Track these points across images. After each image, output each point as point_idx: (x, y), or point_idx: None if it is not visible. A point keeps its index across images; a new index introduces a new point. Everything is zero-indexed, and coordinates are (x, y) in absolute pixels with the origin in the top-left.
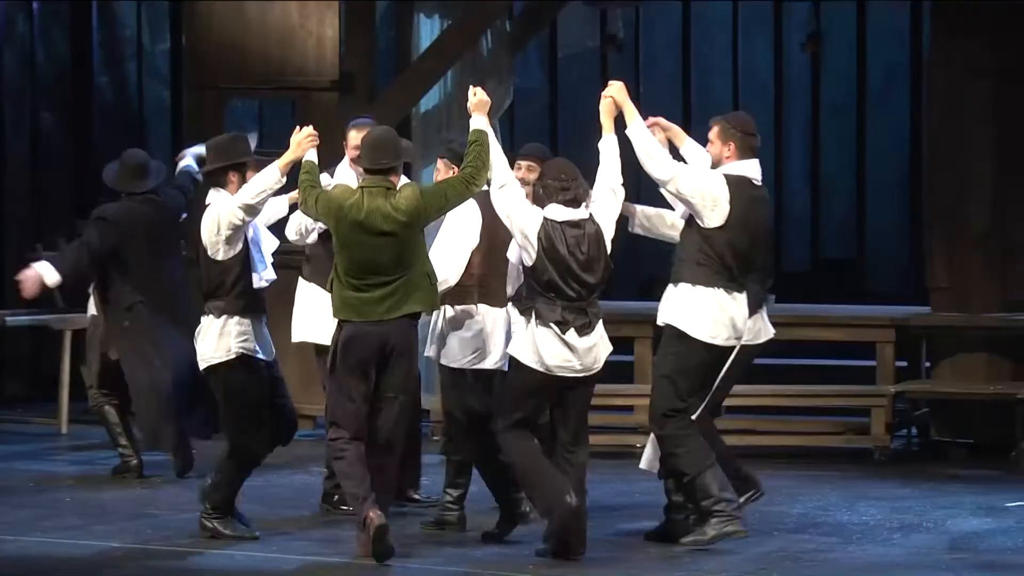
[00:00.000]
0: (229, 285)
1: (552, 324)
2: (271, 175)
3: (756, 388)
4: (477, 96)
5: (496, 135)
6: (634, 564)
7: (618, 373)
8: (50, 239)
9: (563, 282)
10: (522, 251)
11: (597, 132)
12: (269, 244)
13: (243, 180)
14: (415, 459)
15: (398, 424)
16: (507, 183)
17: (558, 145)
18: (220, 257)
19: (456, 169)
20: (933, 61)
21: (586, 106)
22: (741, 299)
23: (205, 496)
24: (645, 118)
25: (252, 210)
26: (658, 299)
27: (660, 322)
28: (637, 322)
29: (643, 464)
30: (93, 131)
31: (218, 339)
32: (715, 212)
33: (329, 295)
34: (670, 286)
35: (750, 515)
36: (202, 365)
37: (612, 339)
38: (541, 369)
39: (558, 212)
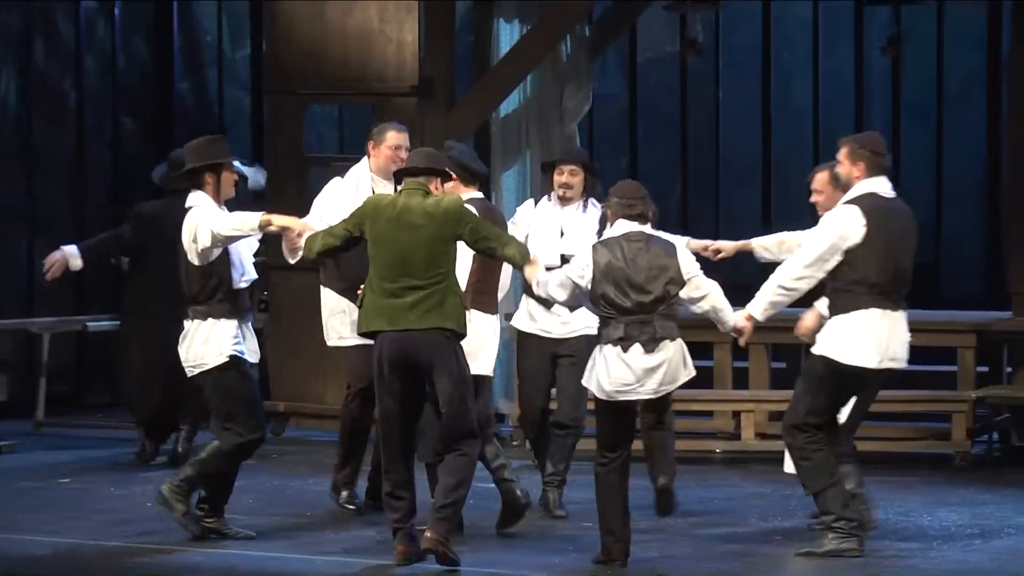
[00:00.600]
0: (212, 289)
1: (614, 343)
2: (249, 223)
3: None
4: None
5: (575, 141)
6: (712, 569)
7: (697, 378)
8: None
9: (619, 293)
10: (584, 286)
11: (675, 136)
12: (250, 244)
13: (219, 181)
14: None
15: (460, 430)
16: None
17: (637, 150)
18: (198, 262)
19: (473, 187)
20: (1012, 63)
21: (666, 111)
22: (897, 317)
23: (196, 493)
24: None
25: (224, 241)
26: (738, 304)
27: (814, 351)
28: (715, 327)
29: (788, 468)
30: (173, 137)
31: (207, 343)
32: (853, 237)
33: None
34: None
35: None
36: (192, 371)
37: (690, 345)
38: (602, 396)
39: (621, 227)
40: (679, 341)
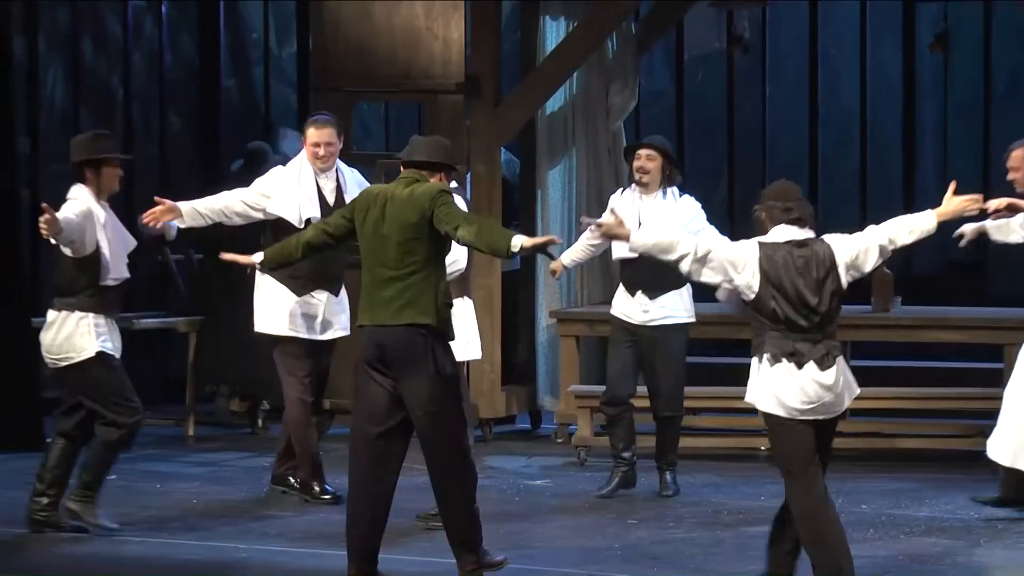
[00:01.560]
0: (84, 283)
1: (785, 358)
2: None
3: (882, 391)
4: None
5: (621, 138)
6: (758, 567)
7: (743, 376)
8: (178, 243)
9: (791, 309)
10: (743, 288)
11: (721, 133)
12: (127, 243)
13: (99, 177)
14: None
15: (439, 444)
16: (706, 251)
17: (684, 148)
18: (71, 254)
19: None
20: None
21: (712, 108)
22: None
23: (80, 479)
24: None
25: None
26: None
27: None
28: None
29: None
30: (220, 135)
31: (74, 337)
32: None
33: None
34: None
35: (876, 518)
36: (55, 362)
37: (737, 343)
38: (783, 413)
39: (782, 233)
40: (842, 358)
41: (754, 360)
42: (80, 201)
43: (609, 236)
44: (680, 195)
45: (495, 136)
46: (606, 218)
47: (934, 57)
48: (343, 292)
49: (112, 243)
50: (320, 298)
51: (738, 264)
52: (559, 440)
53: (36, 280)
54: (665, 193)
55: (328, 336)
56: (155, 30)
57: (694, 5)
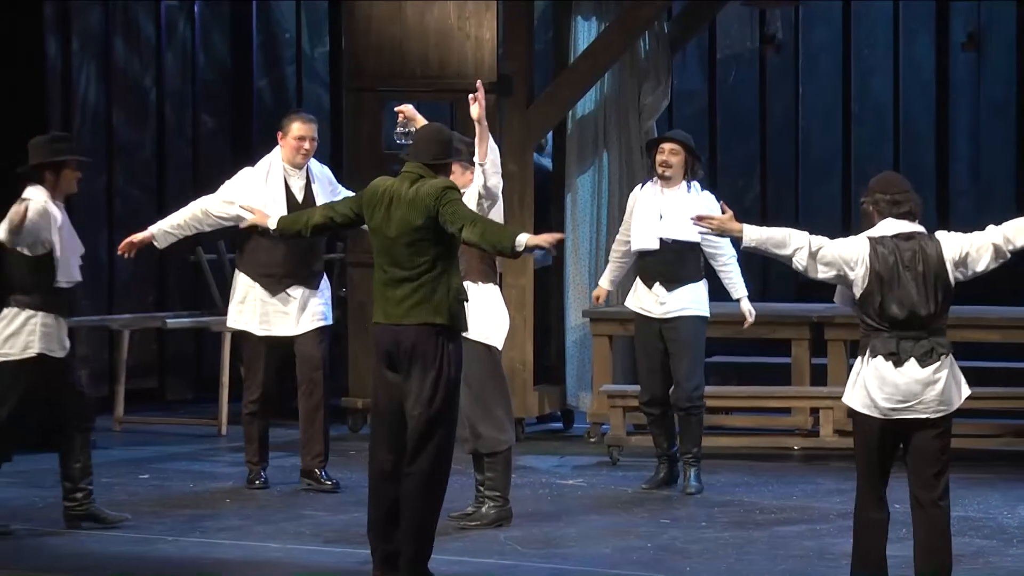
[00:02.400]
0: (37, 283)
1: (884, 356)
2: None
3: None
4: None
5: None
6: (791, 566)
7: (774, 375)
8: (209, 243)
9: (897, 305)
10: (853, 285)
11: (754, 133)
12: (78, 248)
13: (58, 179)
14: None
15: (423, 444)
16: (819, 246)
17: (717, 148)
18: (28, 253)
19: (470, 172)
20: None
21: (745, 108)
22: None
23: None
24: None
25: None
26: (814, 300)
27: None
28: (793, 324)
29: None
30: (252, 135)
31: (17, 335)
32: None
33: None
34: None
35: (908, 517)
36: None
37: (769, 342)
38: (874, 413)
39: (889, 226)
40: (951, 357)
41: (857, 360)
42: (37, 202)
43: (721, 232)
44: (701, 190)
45: (527, 136)
46: (712, 212)
47: (967, 55)
48: (324, 282)
49: (65, 245)
50: (295, 295)
51: (850, 260)
52: (592, 440)
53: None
54: (690, 187)
55: (304, 329)
56: (188, 30)
57: (727, 4)
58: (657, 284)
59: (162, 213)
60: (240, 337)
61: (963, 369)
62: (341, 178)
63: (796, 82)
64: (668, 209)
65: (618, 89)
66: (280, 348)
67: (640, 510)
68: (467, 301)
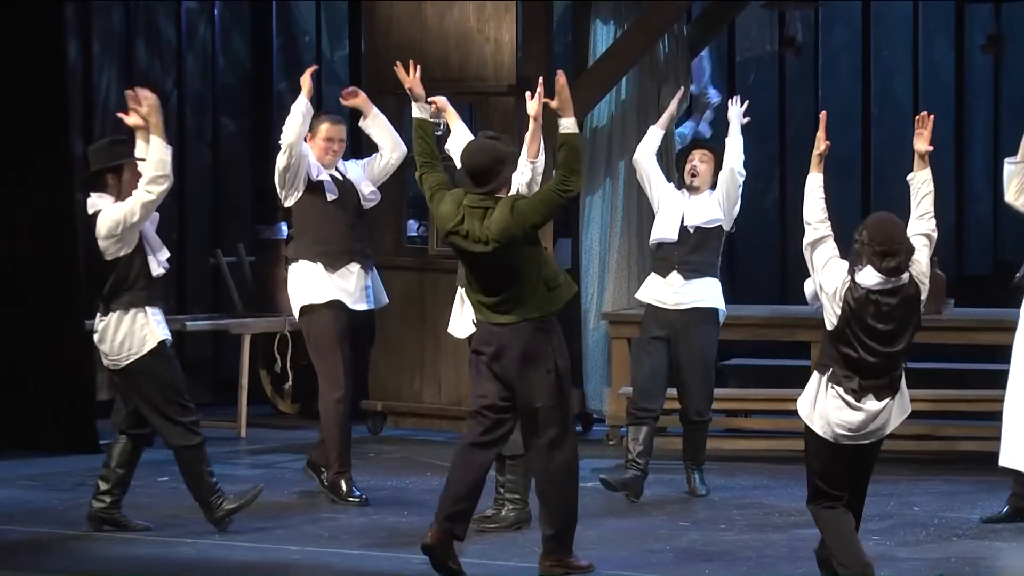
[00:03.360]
0: (132, 279)
1: (844, 390)
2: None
3: (934, 393)
4: (562, 94)
5: (673, 140)
6: (810, 567)
7: (795, 377)
8: (230, 246)
9: (866, 353)
10: (825, 312)
11: (773, 135)
12: (157, 241)
13: (120, 181)
14: None
15: (549, 438)
16: (820, 236)
17: None
18: (118, 255)
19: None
20: None
21: (765, 110)
22: None
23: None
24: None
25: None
26: None
27: None
28: (812, 326)
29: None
30: (272, 138)
31: (136, 334)
32: None
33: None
34: None
35: (928, 520)
36: (116, 364)
37: (788, 344)
38: (828, 437)
39: (872, 277)
40: (903, 380)
41: (815, 374)
42: (112, 207)
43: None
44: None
45: (546, 138)
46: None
47: (986, 57)
48: (374, 271)
49: (150, 238)
50: (354, 269)
51: (829, 289)
52: (611, 442)
53: (90, 282)
54: (711, 193)
55: (364, 307)
56: (208, 33)
57: (746, 6)
58: (674, 273)
59: (182, 217)
60: (309, 325)
61: (982, 372)
62: None
63: (816, 83)
64: (692, 213)
65: (637, 92)
66: (348, 331)
67: (659, 513)
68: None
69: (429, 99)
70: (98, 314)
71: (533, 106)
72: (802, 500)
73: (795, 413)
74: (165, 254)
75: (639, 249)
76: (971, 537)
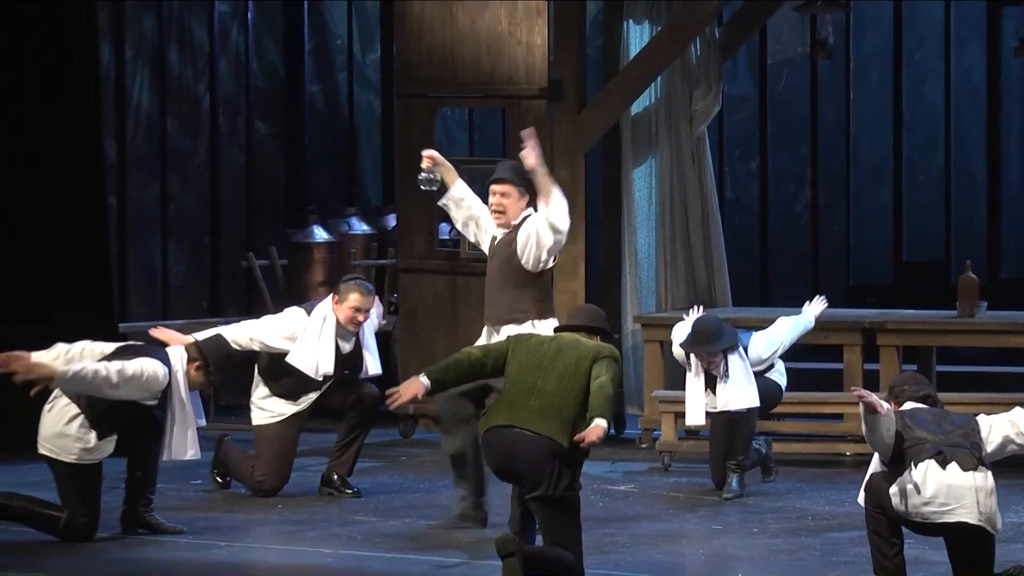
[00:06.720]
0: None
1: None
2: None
3: (967, 396)
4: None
5: (705, 143)
6: (841, 572)
7: (827, 381)
8: (262, 249)
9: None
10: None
11: (805, 139)
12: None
13: None
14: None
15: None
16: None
17: (767, 153)
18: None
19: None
20: None
21: (796, 113)
22: None
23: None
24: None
25: None
26: (866, 305)
27: None
28: (845, 329)
29: None
30: (304, 141)
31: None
32: None
33: None
34: None
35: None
36: None
37: (821, 348)
38: None
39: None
40: None
41: None
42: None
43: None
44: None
45: (578, 141)
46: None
47: (1019, 61)
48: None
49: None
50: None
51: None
52: (643, 445)
53: (123, 285)
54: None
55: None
56: (241, 37)
57: (778, 9)
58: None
59: (215, 219)
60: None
61: (1015, 375)
62: (392, 184)
63: (847, 87)
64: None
65: (669, 95)
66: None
67: (692, 516)
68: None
69: (423, 152)
70: None
71: (531, 159)
72: (836, 503)
73: (828, 416)
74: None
75: (676, 251)
76: (1004, 540)
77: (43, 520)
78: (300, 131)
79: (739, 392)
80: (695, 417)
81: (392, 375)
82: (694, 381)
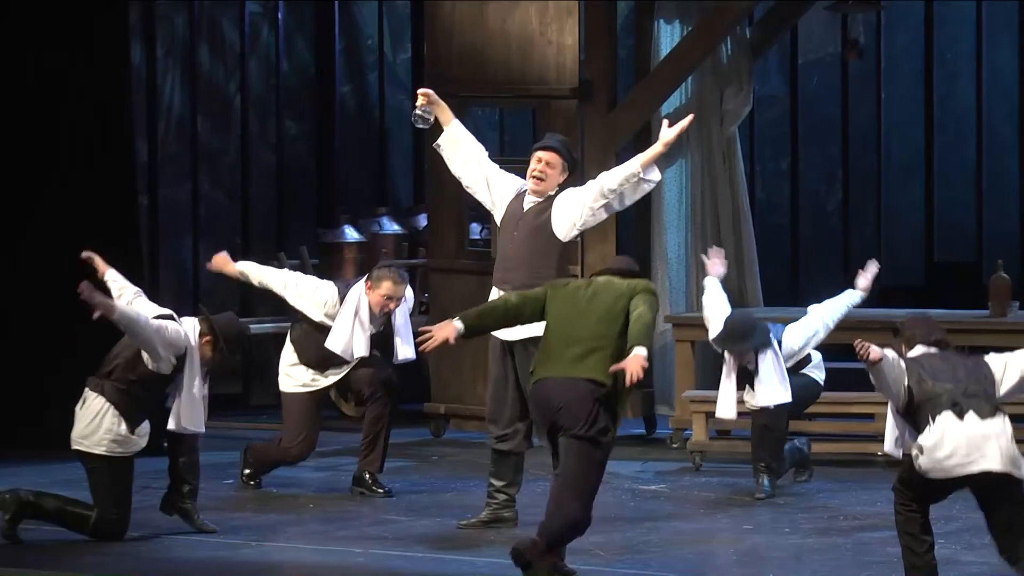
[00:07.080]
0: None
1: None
2: None
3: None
4: None
5: (736, 143)
6: (874, 572)
7: (857, 381)
8: (293, 249)
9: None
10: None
11: (836, 138)
12: None
13: None
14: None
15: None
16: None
17: (798, 152)
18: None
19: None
20: None
21: (827, 113)
22: None
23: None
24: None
25: None
26: (898, 305)
27: None
28: (877, 329)
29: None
30: (335, 141)
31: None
32: None
33: None
34: None
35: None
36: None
37: (851, 347)
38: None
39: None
40: None
41: None
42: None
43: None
44: None
45: (609, 141)
46: None
47: None
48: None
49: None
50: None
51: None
52: (674, 445)
53: (154, 284)
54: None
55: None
56: (271, 36)
57: (808, 9)
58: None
59: (246, 218)
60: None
61: None
62: (423, 184)
63: (878, 86)
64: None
65: (700, 95)
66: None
67: (723, 516)
68: None
69: (420, 90)
70: None
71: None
72: (867, 503)
73: (860, 416)
74: None
75: (707, 251)
76: None
77: (74, 519)
78: (331, 131)
79: (770, 390)
80: (725, 411)
81: (423, 376)
82: (727, 375)
